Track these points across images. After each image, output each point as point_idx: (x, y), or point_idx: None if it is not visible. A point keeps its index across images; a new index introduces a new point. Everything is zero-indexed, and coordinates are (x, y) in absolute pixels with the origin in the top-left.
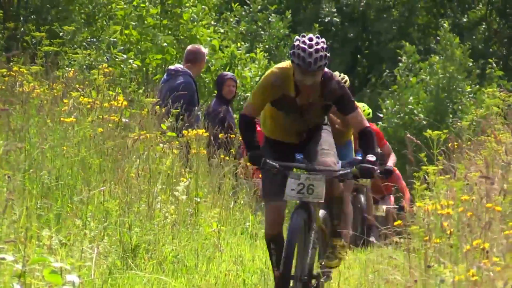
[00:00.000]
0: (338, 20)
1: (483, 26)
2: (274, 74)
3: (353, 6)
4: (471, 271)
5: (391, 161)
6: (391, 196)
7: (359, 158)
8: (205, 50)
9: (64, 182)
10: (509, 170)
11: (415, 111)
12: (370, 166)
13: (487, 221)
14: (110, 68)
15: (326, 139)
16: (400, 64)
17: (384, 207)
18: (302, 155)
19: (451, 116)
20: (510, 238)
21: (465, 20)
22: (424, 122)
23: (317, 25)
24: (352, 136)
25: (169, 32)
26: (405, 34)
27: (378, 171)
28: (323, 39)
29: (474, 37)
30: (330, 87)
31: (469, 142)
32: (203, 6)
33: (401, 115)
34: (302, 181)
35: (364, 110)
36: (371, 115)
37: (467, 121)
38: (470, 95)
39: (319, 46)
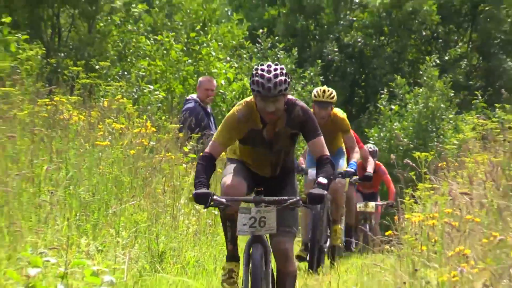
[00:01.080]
0: (339, 58)
1: (465, 62)
2: (239, 110)
3: (353, 45)
4: (453, 273)
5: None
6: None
7: (352, 170)
8: (204, 78)
9: (100, 197)
10: (486, 187)
11: (400, 136)
12: (319, 193)
13: (466, 230)
14: (124, 99)
15: (291, 190)
16: (382, 96)
17: (373, 203)
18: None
19: (435, 140)
20: (487, 246)
21: (446, 58)
22: (411, 145)
23: (320, 61)
24: (344, 144)
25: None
26: (397, 69)
27: (358, 178)
28: (282, 66)
29: (457, 71)
30: (294, 113)
31: (456, 163)
32: (219, 43)
33: (386, 140)
34: (253, 214)
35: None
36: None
37: (449, 144)
38: (451, 122)
39: (277, 72)
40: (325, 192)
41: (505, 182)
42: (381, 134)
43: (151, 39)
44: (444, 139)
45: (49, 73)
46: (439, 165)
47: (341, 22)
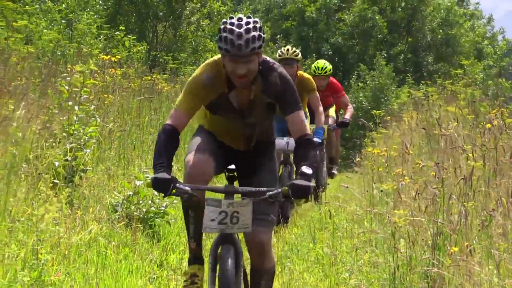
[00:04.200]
0: (328, 52)
1: (402, 56)
2: (204, 71)
3: (336, 45)
4: (395, 185)
5: (349, 112)
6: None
7: (319, 141)
8: None
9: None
10: (417, 133)
11: (362, 101)
12: (305, 184)
13: (406, 158)
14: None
15: (269, 172)
16: (354, 76)
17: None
18: (234, 166)
19: (384, 103)
20: (417, 168)
21: (391, 53)
22: (369, 107)
23: (315, 55)
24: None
25: None
26: (362, 59)
27: (335, 125)
28: (256, 19)
29: (398, 61)
30: (270, 79)
31: (396, 117)
32: None
33: (355, 104)
34: (224, 208)
35: (326, 67)
36: (331, 71)
37: (394, 106)
38: (393, 92)
39: (250, 26)
40: (311, 184)
41: (425, 130)
42: (352, 100)
43: (213, 40)
44: (389, 103)
45: (150, 61)
46: (388, 118)
47: (331, 30)
